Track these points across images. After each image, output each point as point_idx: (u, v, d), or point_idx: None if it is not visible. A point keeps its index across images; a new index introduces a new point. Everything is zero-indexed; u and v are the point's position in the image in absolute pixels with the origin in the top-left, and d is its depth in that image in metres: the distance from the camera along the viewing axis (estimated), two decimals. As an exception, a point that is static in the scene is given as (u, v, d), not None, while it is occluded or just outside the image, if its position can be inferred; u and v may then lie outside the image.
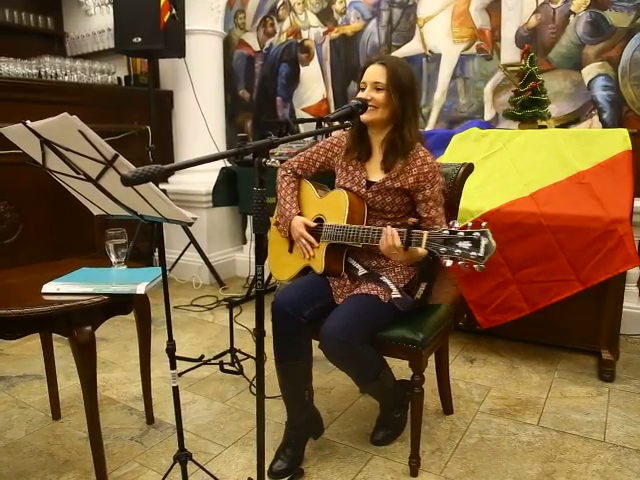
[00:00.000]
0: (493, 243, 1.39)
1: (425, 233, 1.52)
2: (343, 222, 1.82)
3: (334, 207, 1.88)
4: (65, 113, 1.19)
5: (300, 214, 1.99)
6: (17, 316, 1.52)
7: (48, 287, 1.67)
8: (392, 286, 1.81)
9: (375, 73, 1.79)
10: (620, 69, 3.00)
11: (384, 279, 1.83)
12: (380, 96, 1.78)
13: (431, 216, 1.82)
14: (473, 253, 1.41)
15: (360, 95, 1.81)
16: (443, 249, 1.46)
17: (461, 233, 1.44)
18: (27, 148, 1.41)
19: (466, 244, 1.42)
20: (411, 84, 1.81)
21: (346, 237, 1.79)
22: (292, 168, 2.04)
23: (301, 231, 1.92)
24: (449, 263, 1.45)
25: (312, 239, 1.91)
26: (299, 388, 1.88)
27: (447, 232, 1.46)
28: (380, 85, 1.78)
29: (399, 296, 1.78)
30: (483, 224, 1.44)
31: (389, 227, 1.64)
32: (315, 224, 1.94)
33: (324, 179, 2.07)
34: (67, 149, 1.30)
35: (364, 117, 1.81)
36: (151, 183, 1.16)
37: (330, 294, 1.90)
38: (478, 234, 1.41)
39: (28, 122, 1.28)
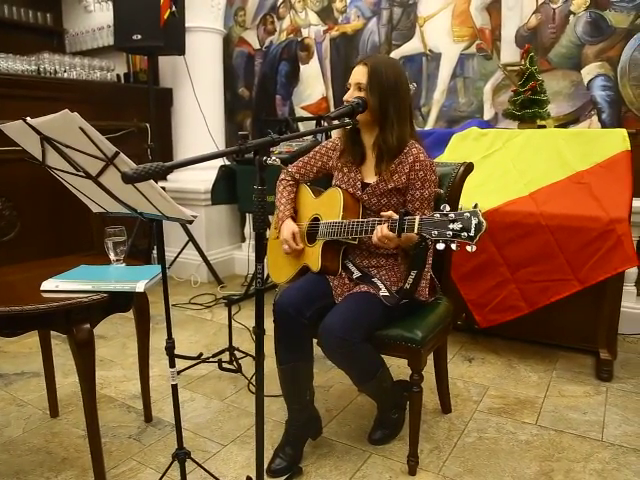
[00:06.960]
0: (484, 222, 1.40)
1: (417, 218, 1.51)
2: (338, 218, 1.82)
3: (329, 205, 1.89)
4: (66, 110, 1.18)
5: (294, 218, 2.00)
6: (16, 313, 1.51)
7: (47, 284, 1.67)
8: (381, 285, 1.81)
9: (358, 73, 1.79)
10: (619, 69, 3.01)
11: (375, 280, 1.83)
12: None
13: None
14: (464, 233, 1.41)
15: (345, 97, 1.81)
16: (435, 232, 1.46)
17: (452, 215, 1.44)
18: (26, 145, 1.41)
19: (457, 225, 1.42)
20: (394, 84, 1.76)
21: (341, 232, 1.78)
22: (290, 173, 2.05)
23: (286, 237, 1.93)
24: (441, 246, 1.45)
25: (294, 245, 1.93)
26: (300, 388, 1.88)
27: (438, 215, 1.46)
28: (362, 85, 1.76)
29: (387, 294, 1.78)
30: (473, 204, 1.44)
31: (381, 226, 1.62)
32: (298, 230, 1.95)
33: (324, 182, 2.07)
34: (67, 146, 1.29)
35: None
36: (152, 181, 1.15)
37: (331, 294, 1.89)
38: (468, 214, 1.41)
39: (28, 119, 1.28)
